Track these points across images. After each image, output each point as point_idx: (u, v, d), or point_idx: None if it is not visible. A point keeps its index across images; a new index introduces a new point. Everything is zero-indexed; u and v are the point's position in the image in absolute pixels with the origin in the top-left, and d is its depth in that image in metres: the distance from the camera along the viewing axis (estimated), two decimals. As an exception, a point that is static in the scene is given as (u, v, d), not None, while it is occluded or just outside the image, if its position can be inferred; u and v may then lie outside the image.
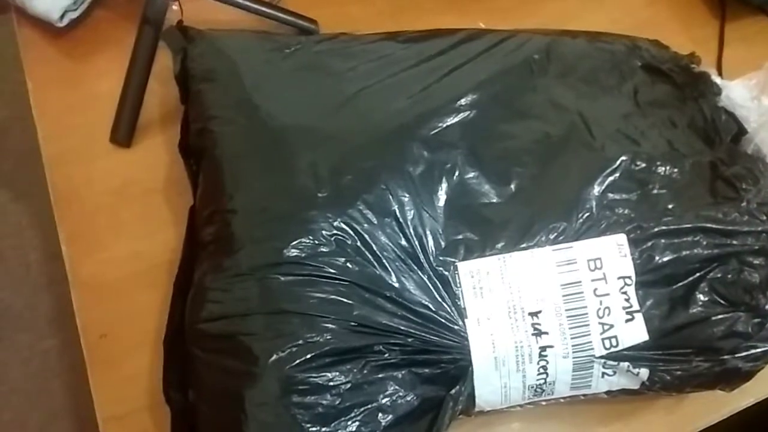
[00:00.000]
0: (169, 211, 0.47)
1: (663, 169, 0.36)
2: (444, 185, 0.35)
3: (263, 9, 0.53)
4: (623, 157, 0.36)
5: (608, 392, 0.35)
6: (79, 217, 0.47)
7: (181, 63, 0.41)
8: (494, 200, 0.35)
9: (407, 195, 0.34)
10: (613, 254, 0.34)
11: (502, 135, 0.37)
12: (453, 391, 0.32)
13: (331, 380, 0.29)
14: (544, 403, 0.36)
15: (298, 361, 0.29)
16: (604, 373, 0.34)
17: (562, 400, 0.36)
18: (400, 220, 0.33)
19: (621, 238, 0.34)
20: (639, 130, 0.38)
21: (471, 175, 0.35)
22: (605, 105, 0.39)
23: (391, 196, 0.33)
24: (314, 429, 0.29)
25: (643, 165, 0.36)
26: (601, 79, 0.41)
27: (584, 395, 0.36)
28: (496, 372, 0.33)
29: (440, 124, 0.36)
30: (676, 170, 0.36)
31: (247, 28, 0.52)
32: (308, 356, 0.29)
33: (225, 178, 0.34)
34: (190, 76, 0.40)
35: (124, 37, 0.51)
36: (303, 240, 0.31)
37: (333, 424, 0.29)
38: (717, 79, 0.40)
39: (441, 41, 0.42)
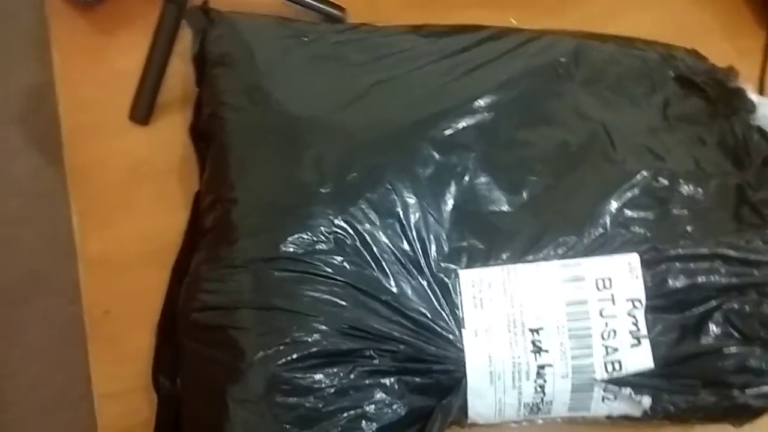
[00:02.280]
0: (182, 192, 0.46)
1: (686, 188, 0.34)
2: (453, 189, 0.34)
3: (291, -7, 0.52)
4: (644, 173, 0.34)
5: (608, 417, 0.34)
6: (92, 192, 0.47)
7: (200, 45, 0.40)
8: (504, 209, 0.34)
9: (413, 196, 0.33)
10: (624, 274, 0.32)
11: (519, 141, 0.36)
12: (443, 402, 0.31)
13: (316, 382, 0.29)
14: (540, 421, 0.35)
15: (284, 360, 0.29)
16: (604, 397, 0.32)
17: (559, 420, 0.35)
18: (404, 222, 0.32)
19: (634, 258, 0.32)
20: (665, 145, 0.36)
21: (482, 180, 0.34)
22: (631, 116, 0.37)
23: (395, 197, 0.32)
24: (294, 431, 0.28)
25: (665, 182, 0.34)
26: (629, 88, 0.39)
27: (583, 417, 0.34)
28: (491, 386, 0.32)
29: (455, 125, 0.35)
30: (700, 191, 0.34)
31: (272, 12, 0.51)
32: (295, 356, 0.29)
33: (229, 166, 0.34)
34: (207, 59, 0.39)
35: (153, 13, 0.51)
36: (301, 235, 0.31)
37: (314, 428, 0.28)
38: (754, 96, 0.38)
39: (465, 37, 0.40)
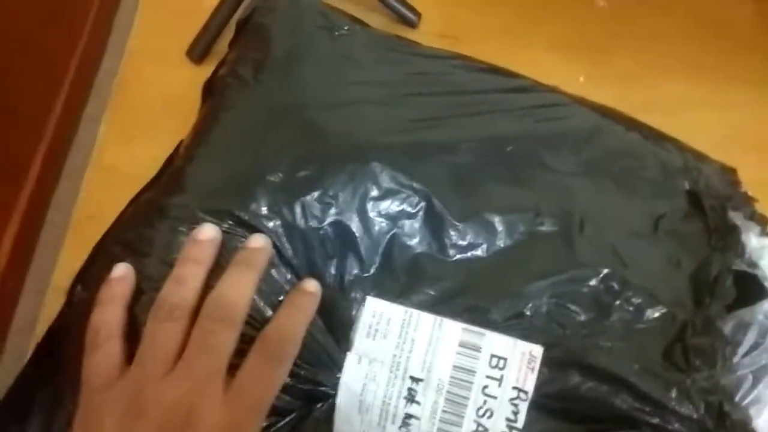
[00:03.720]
0: (200, 136, 0.50)
1: (632, 303, 0.33)
2: (395, 219, 0.34)
3: (371, -14, 0.54)
4: (597, 271, 0.34)
5: None
6: (127, 109, 0.53)
7: (250, 12, 0.43)
8: (437, 255, 0.34)
9: (352, 213, 0.33)
10: (520, 362, 0.32)
11: (486, 193, 0.36)
12: (305, 410, 0.33)
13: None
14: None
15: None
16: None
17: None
18: (330, 234, 0.33)
19: (536, 350, 0.32)
20: (637, 253, 0.35)
21: (430, 219, 0.35)
22: (619, 213, 0.36)
23: (333, 208, 0.33)
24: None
25: (615, 288, 0.34)
26: (632, 185, 0.37)
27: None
28: (359, 416, 0.33)
29: (427, 159, 0.36)
30: (645, 313, 0.33)
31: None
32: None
33: (206, 125, 0.36)
34: (247, 25, 0.43)
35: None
36: (230, 211, 0.33)
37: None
38: (755, 240, 0.36)
39: (494, 80, 0.41)
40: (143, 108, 0.53)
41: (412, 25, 0.56)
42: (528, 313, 0.33)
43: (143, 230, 0.33)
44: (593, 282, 0.34)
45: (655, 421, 0.31)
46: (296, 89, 0.37)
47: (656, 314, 0.33)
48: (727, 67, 0.55)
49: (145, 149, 0.51)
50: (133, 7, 0.58)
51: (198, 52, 0.54)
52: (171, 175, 0.36)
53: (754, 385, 0.34)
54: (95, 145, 0.52)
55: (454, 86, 0.40)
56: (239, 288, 0.31)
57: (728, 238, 0.35)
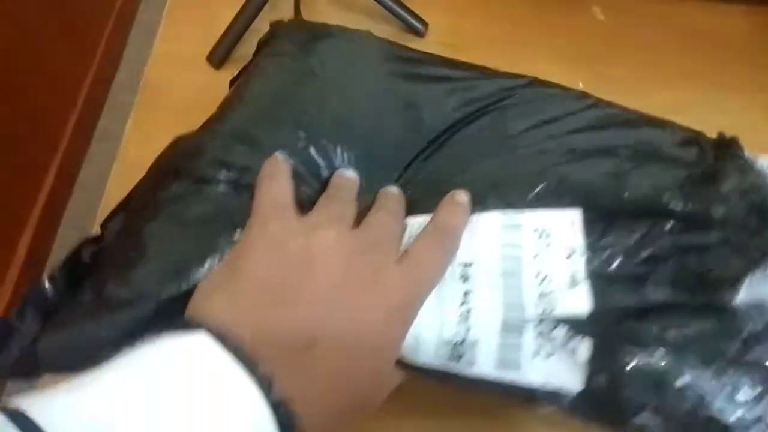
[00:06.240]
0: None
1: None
2: (417, 153, 0.43)
3: (383, -1, 0.63)
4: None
5: (539, 393, 0.35)
6: (151, 109, 0.60)
7: (269, 36, 0.51)
8: (459, 175, 0.41)
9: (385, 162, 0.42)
10: (564, 228, 0.36)
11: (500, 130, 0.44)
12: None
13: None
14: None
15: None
16: (537, 351, 0.34)
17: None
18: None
19: (576, 214, 0.37)
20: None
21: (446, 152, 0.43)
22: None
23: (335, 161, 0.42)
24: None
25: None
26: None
27: (514, 384, 0.34)
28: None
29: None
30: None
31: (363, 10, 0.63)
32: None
33: (227, 106, 0.45)
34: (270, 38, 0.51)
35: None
36: (243, 167, 0.40)
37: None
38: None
39: (493, 82, 0.48)
40: (166, 108, 0.60)
41: (419, 34, 0.64)
42: (554, 186, 0.39)
43: (168, 185, 0.41)
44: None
45: (702, 241, 0.36)
46: (312, 78, 0.45)
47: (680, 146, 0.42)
48: (719, 75, 0.62)
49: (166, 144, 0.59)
50: (157, 18, 0.67)
51: (218, 58, 0.62)
52: (192, 142, 0.44)
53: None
54: (122, 142, 0.59)
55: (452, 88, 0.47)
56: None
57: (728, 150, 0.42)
